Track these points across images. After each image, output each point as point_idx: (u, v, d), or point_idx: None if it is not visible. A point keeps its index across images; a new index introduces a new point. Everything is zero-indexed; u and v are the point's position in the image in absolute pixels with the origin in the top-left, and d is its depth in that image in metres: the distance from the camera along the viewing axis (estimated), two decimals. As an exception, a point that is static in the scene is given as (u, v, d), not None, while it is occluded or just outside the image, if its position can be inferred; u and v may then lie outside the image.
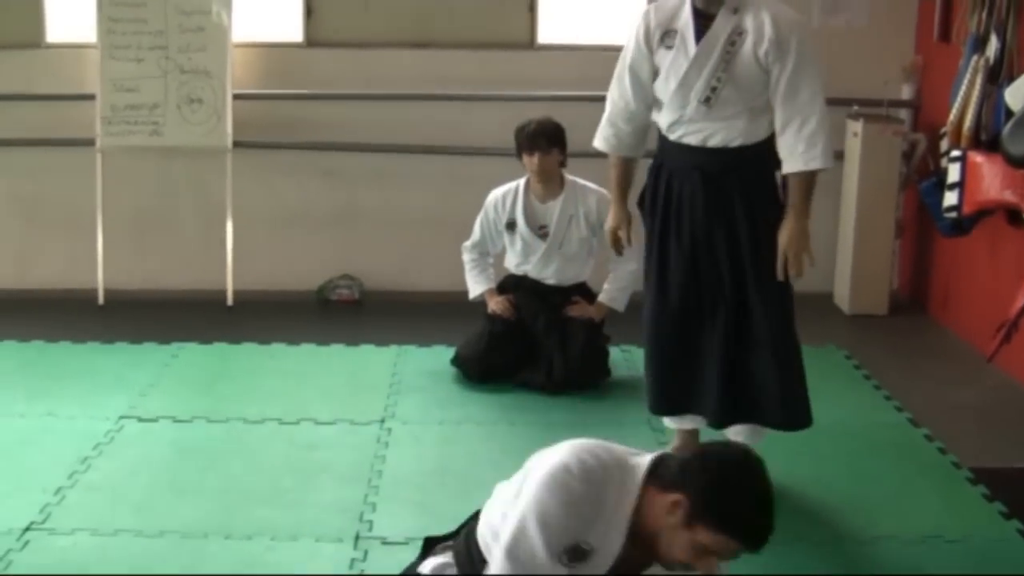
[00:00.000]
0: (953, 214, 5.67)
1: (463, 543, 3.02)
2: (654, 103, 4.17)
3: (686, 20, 4.01)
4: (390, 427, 4.84)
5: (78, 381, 5.34)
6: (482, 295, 5.64)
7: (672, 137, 4.14)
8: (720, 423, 4.23)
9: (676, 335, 4.22)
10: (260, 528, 3.92)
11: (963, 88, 5.67)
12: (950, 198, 5.64)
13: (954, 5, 6.29)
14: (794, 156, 3.97)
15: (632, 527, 2.70)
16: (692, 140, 4.08)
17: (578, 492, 2.68)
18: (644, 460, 2.80)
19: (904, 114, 6.82)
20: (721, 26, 3.96)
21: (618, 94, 4.22)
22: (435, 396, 5.24)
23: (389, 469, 4.41)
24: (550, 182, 5.44)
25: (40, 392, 5.17)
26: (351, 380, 5.42)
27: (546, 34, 6.94)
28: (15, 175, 7.02)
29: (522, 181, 5.53)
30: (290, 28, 6.91)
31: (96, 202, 6.70)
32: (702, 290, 4.16)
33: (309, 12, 6.90)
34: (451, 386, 5.37)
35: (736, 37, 3.95)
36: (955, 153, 5.63)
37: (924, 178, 6.33)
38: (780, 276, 4.05)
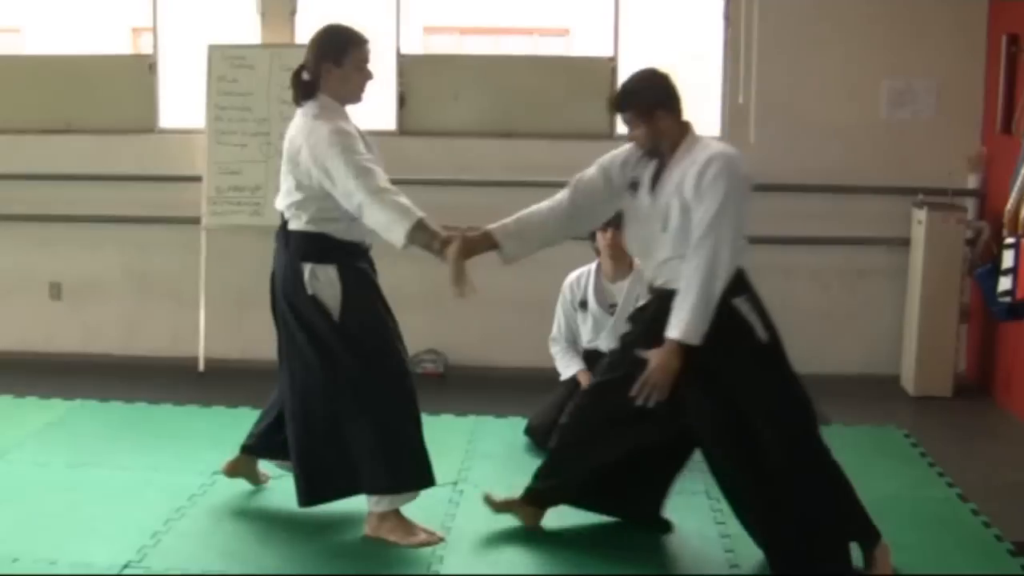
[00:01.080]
0: (1007, 299, 5.85)
1: None
2: None
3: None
4: (462, 489, 5.15)
5: (177, 440, 5.76)
6: (574, 375, 5.88)
7: None
8: None
9: None
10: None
11: (1020, 178, 5.88)
12: (1004, 283, 5.84)
13: (1016, 98, 6.55)
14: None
15: None
16: None
17: None
18: None
19: (970, 203, 7.06)
20: None
21: None
22: (507, 463, 5.54)
23: (458, 526, 4.72)
24: (620, 262, 5.74)
25: (142, 448, 5.61)
26: (430, 446, 5.62)
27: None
28: (127, 250, 7.55)
29: (594, 264, 5.86)
30: (384, 117, 7.35)
31: (200, 277, 7.17)
32: None
33: (402, 102, 7.36)
34: (523, 454, 5.66)
35: None
36: (1010, 240, 5.83)
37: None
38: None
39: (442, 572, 4.29)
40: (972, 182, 7.09)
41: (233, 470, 5.01)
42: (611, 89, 7.23)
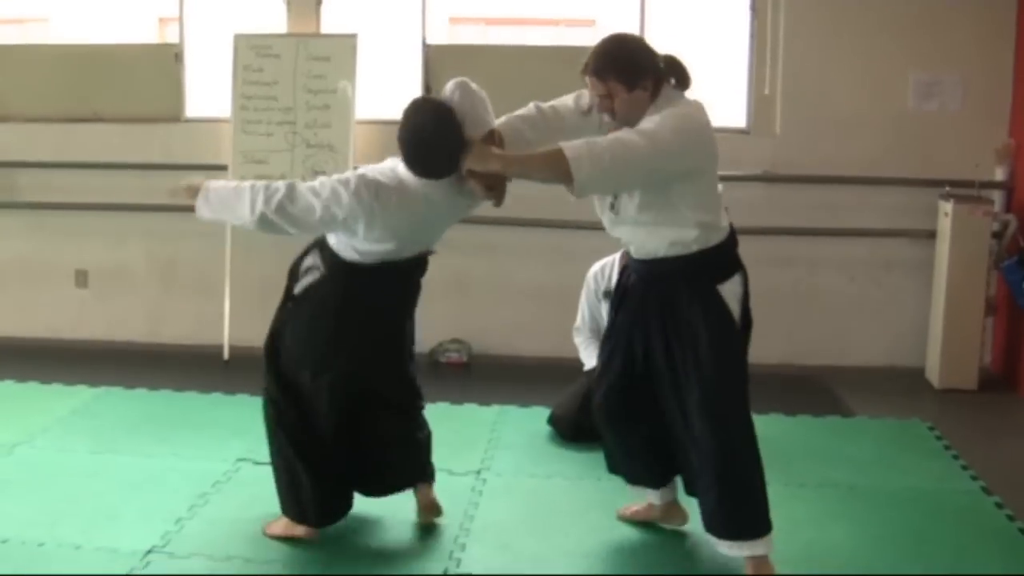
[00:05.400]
0: (1034, 291, 5.86)
1: None
2: None
3: None
4: (485, 478, 5.16)
5: (201, 427, 5.79)
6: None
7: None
8: None
9: None
10: (359, 561, 4.29)
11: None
12: (1031, 275, 5.84)
13: (1045, 92, 6.53)
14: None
15: None
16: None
17: None
18: None
19: (996, 195, 7.01)
20: None
21: None
22: (529, 452, 5.54)
23: (480, 515, 4.73)
24: (644, 253, 5.72)
25: (167, 435, 5.63)
26: (454, 435, 5.65)
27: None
28: (153, 239, 7.60)
29: (618, 255, 5.85)
30: (409, 107, 7.36)
31: (225, 265, 7.20)
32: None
33: (428, 91, 7.35)
34: (545, 444, 5.67)
35: None
36: (1037, 232, 5.84)
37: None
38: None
39: (464, 560, 4.30)
40: (999, 174, 7.06)
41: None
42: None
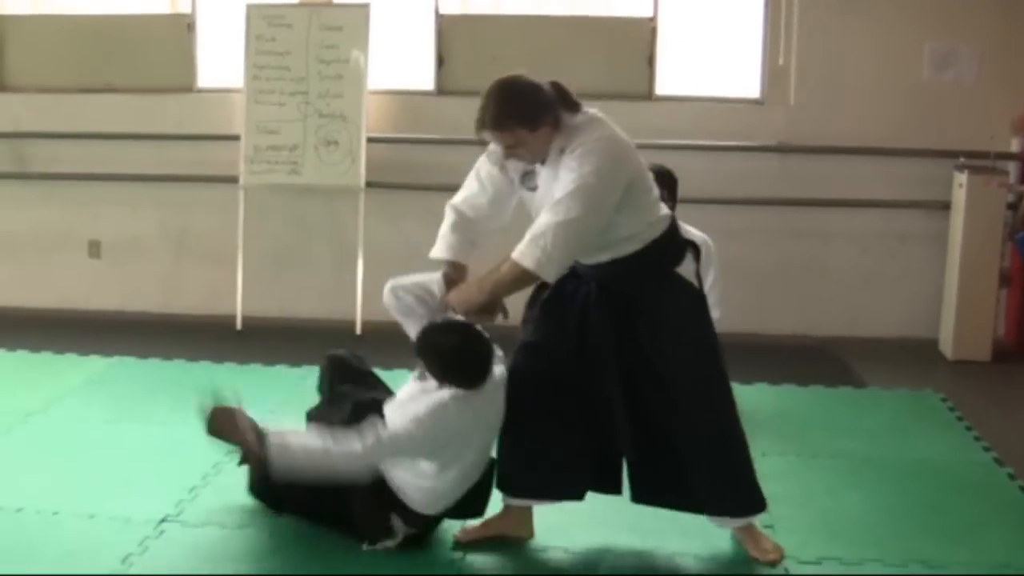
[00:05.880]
0: (1049, 263, 5.83)
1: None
2: None
3: None
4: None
5: (215, 397, 5.79)
6: None
7: None
8: None
9: None
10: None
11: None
12: (1046, 247, 5.81)
13: (1062, 62, 6.48)
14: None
15: None
16: None
17: None
18: None
19: (1012, 167, 6.98)
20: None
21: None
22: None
23: (494, 493, 4.70)
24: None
25: (180, 404, 5.55)
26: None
27: (664, 86, 7.27)
28: (166, 208, 7.59)
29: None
30: (422, 77, 7.36)
31: (238, 235, 7.20)
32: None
33: (440, 62, 7.35)
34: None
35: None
36: (1052, 204, 5.80)
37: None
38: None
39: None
40: (1014, 145, 7.02)
41: None
42: (651, 49, 7.23)
